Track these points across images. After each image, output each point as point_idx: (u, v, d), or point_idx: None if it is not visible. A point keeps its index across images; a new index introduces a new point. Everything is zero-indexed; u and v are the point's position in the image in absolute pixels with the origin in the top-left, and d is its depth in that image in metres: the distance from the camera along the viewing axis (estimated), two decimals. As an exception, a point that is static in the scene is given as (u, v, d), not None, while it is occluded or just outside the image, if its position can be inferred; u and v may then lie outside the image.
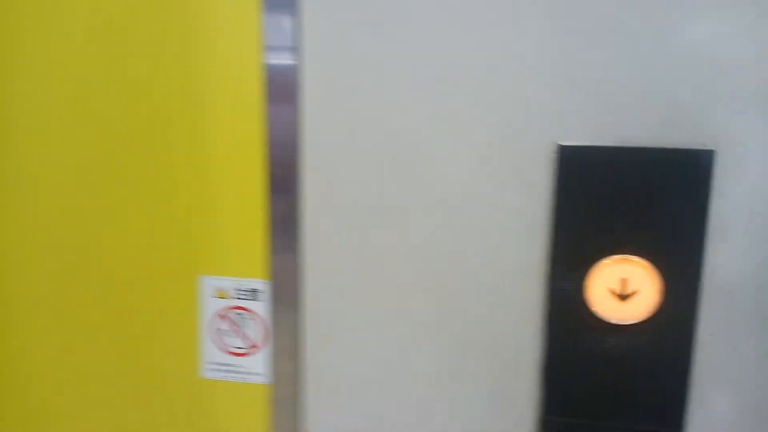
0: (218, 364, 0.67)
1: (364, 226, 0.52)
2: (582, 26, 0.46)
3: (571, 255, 0.47)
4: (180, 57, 0.62)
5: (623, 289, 0.46)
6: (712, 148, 0.45)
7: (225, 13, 0.60)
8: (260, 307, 0.65)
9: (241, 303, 0.65)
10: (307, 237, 0.54)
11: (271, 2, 0.53)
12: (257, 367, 0.66)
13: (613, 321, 0.47)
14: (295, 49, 0.52)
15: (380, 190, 0.52)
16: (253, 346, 0.66)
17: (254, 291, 0.64)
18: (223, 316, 0.66)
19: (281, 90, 0.53)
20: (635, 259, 0.46)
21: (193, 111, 0.62)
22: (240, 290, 0.65)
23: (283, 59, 0.53)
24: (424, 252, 0.52)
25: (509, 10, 0.47)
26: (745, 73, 0.44)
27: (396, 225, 0.52)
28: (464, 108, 0.49)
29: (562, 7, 0.46)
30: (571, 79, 0.47)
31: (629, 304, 0.46)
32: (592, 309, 0.47)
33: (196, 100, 0.62)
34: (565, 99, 0.47)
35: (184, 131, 0.63)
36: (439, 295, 0.52)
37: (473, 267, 0.51)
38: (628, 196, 0.45)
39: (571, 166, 0.46)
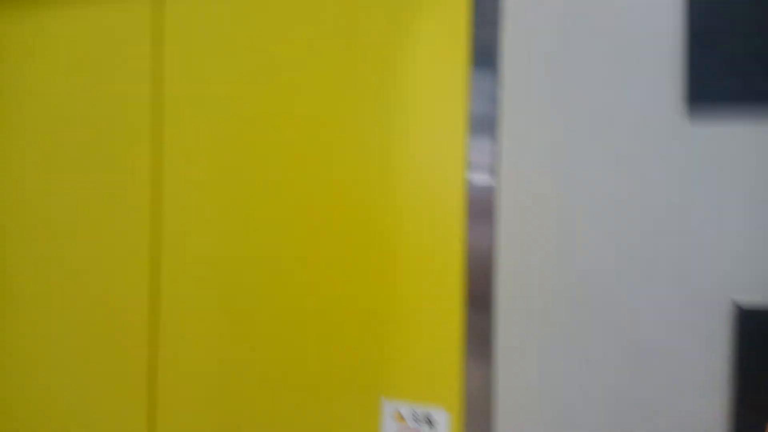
0: (397, 487, 0.68)
1: (553, 355, 0.56)
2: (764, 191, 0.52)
3: (753, 405, 0.49)
4: (383, 172, 0.68)
5: None
6: None
7: (430, 131, 0.66)
8: (439, 433, 0.66)
9: (419, 427, 0.67)
10: (499, 358, 0.57)
11: (476, 126, 0.59)
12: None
13: None
14: (494, 170, 0.58)
15: (570, 322, 0.56)
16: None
17: (433, 418, 0.66)
18: (402, 440, 0.68)
19: (481, 208, 0.58)
20: None
21: (391, 225, 0.68)
22: (419, 415, 0.67)
23: (483, 179, 0.58)
24: (607, 392, 0.55)
25: (695, 176, 0.54)
26: None
27: (583, 360, 0.56)
28: (649, 261, 0.55)
29: (744, 176, 0.52)
30: (750, 239, 0.51)
31: None
32: None
33: (396, 215, 0.67)
34: (744, 259, 0.51)
35: (379, 246, 0.68)
36: None
37: (655, 415, 0.53)
38: None
39: (749, 323, 0.49)
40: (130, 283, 0.77)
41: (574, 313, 0.56)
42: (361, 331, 0.70)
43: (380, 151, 0.69)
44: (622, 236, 0.55)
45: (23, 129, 0.82)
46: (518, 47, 0.56)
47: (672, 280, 0.53)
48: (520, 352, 0.57)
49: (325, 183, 0.71)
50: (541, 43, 0.56)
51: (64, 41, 0.84)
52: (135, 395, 0.76)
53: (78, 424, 0.78)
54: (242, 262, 0.75)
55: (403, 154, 0.68)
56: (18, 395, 0.81)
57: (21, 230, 0.81)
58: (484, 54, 0.57)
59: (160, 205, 0.76)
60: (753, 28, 0.49)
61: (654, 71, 0.54)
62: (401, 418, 0.69)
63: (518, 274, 0.56)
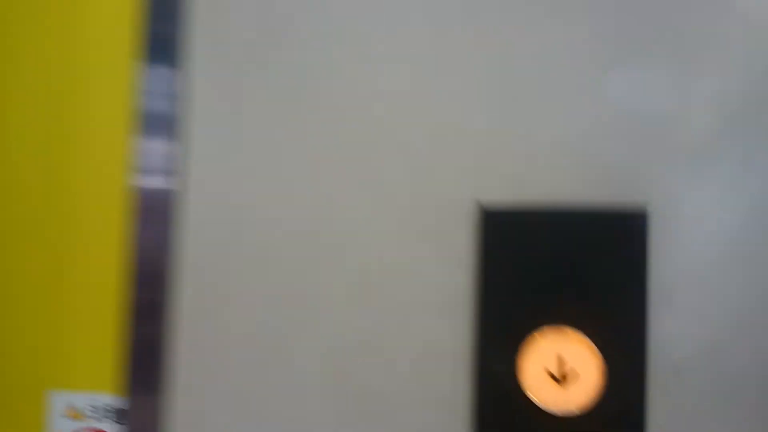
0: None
1: (250, 346, 0.47)
2: (505, 83, 0.45)
3: (500, 331, 0.42)
4: (50, 173, 0.62)
5: (560, 369, 0.41)
6: (645, 206, 0.42)
7: (101, 133, 0.60)
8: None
9: (97, 424, 0.58)
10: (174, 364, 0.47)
11: (148, 126, 0.50)
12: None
13: (552, 409, 0.41)
14: (174, 172, 0.49)
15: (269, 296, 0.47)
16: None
17: (112, 408, 0.57)
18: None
19: (154, 212, 0.50)
20: (572, 332, 0.41)
21: (57, 224, 0.62)
22: (96, 408, 0.58)
23: (158, 182, 0.50)
24: (328, 342, 0.45)
25: (430, 63, 0.46)
26: (675, 126, 0.43)
27: (296, 314, 0.46)
28: (374, 165, 0.46)
29: (483, 61, 0.45)
30: (494, 136, 0.44)
31: (569, 388, 0.41)
32: (528, 394, 0.41)
33: (62, 215, 0.61)
34: (487, 158, 0.44)
35: (45, 241, 0.61)
36: (349, 392, 0.44)
37: (388, 351, 0.44)
38: (560, 261, 0.42)
39: (495, 230, 0.42)
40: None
41: (277, 274, 0.46)
42: (22, 324, 0.62)
43: (39, 151, 0.63)
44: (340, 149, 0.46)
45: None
46: (206, 41, 0.49)
47: (404, 189, 0.45)
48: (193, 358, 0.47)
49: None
50: (237, 34, 0.48)
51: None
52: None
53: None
54: None
55: (64, 153, 0.63)
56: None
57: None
58: (162, 49, 0.51)
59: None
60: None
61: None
62: (77, 413, 0.58)
63: (200, 284, 0.46)
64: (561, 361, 0.41)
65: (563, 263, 0.42)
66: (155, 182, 0.50)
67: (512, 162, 0.44)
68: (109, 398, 0.58)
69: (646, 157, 0.43)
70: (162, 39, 0.50)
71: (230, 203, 0.47)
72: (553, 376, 0.41)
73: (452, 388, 0.43)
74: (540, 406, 0.41)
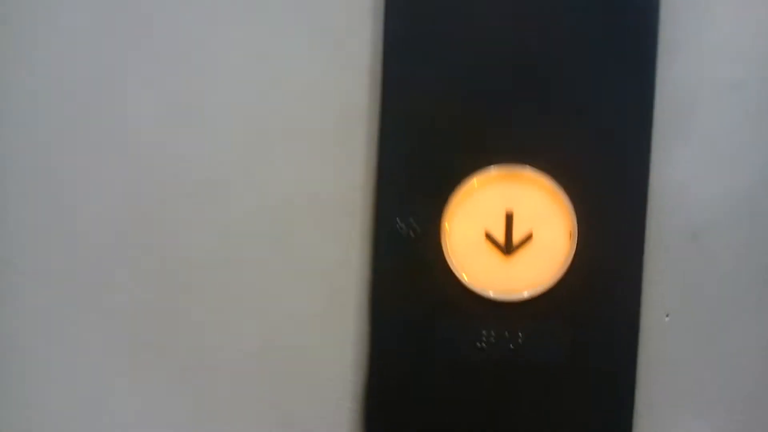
0: None
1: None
2: None
3: (415, 172, 0.27)
4: None
5: (508, 231, 0.27)
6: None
7: None
8: None
9: None
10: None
11: None
12: None
13: (491, 294, 0.26)
14: None
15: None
16: None
17: None
18: None
19: None
20: (528, 174, 0.26)
21: None
22: None
23: None
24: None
25: None
26: None
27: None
28: None
29: None
30: None
31: (520, 262, 0.27)
32: (454, 270, 0.26)
33: None
34: None
35: None
36: (185, 264, 0.28)
37: (244, 202, 0.28)
38: (512, 60, 0.26)
39: (409, 14, 0.26)
40: None
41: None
42: None
43: None
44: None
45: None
46: None
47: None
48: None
49: None
50: None
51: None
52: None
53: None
54: None
55: None
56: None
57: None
58: None
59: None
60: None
61: None
62: None
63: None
64: (509, 220, 0.27)
65: (518, 64, 0.26)
66: None
67: None
68: None
69: None
70: None
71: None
72: (495, 243, 0.27)
73: (342, 260, 0.28)
74: (472, 289, 0.27)
